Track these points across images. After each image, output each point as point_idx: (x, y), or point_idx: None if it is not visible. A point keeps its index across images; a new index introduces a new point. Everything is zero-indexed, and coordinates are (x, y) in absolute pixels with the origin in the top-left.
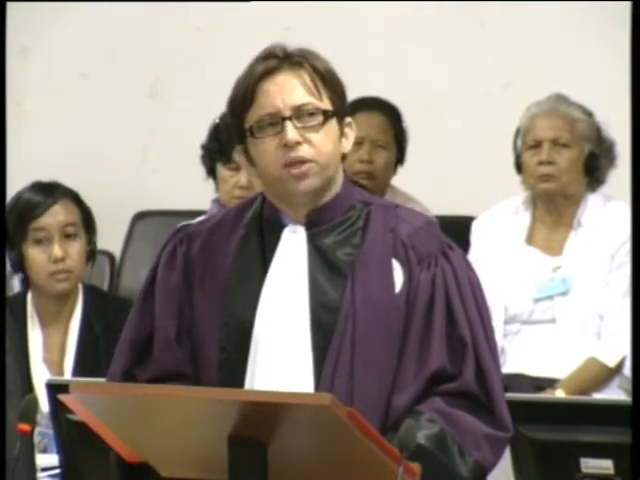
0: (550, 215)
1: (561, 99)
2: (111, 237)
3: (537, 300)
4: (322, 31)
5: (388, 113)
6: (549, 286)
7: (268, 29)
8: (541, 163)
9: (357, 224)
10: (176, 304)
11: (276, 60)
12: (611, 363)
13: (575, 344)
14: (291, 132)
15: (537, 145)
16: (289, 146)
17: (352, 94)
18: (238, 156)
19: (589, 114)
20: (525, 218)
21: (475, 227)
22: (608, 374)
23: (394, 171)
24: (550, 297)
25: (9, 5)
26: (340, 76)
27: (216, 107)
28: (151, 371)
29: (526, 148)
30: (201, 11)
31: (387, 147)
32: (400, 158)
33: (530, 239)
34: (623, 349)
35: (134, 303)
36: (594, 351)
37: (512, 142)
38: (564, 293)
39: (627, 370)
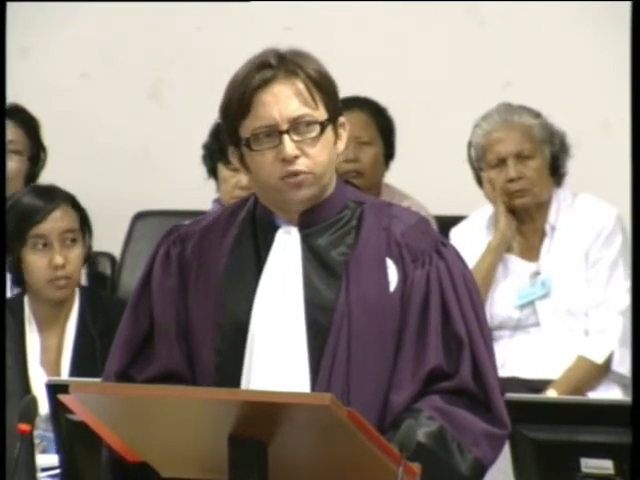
0: (524, 223)
1: (509, 108)
2: (111, 237)
3: (520, 306)
4: (322, 31)
5: (368, 109)
6: (530, 291)
7: (268, 29)
8: (511, 180)
9: (350, 223)
10: (174, 307)
11: (271, 70)
12: (599, 359)
13: (563, 344)
14: (289, 147)
15: (501, 162)
16: (287, 160)
17: (352, 94)
18: (231, 157)
19: (538, 115)
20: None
21: (452, 237)
22: (598, 371)
23: (385, 166)
24: (532, 302)
25: (9, 5)
26: (333, 76)
27: (216, 107)
28: (149, 370)
29: (489, 167)
30: (201, 11)
31: (372, 143)
32: (390, 153)
33: (508, 247)
34: (609, 344)
35: (128, 304)
36: (582, 349)
37: (466, 156)
38: (544, 296)
39: (616, 365)
